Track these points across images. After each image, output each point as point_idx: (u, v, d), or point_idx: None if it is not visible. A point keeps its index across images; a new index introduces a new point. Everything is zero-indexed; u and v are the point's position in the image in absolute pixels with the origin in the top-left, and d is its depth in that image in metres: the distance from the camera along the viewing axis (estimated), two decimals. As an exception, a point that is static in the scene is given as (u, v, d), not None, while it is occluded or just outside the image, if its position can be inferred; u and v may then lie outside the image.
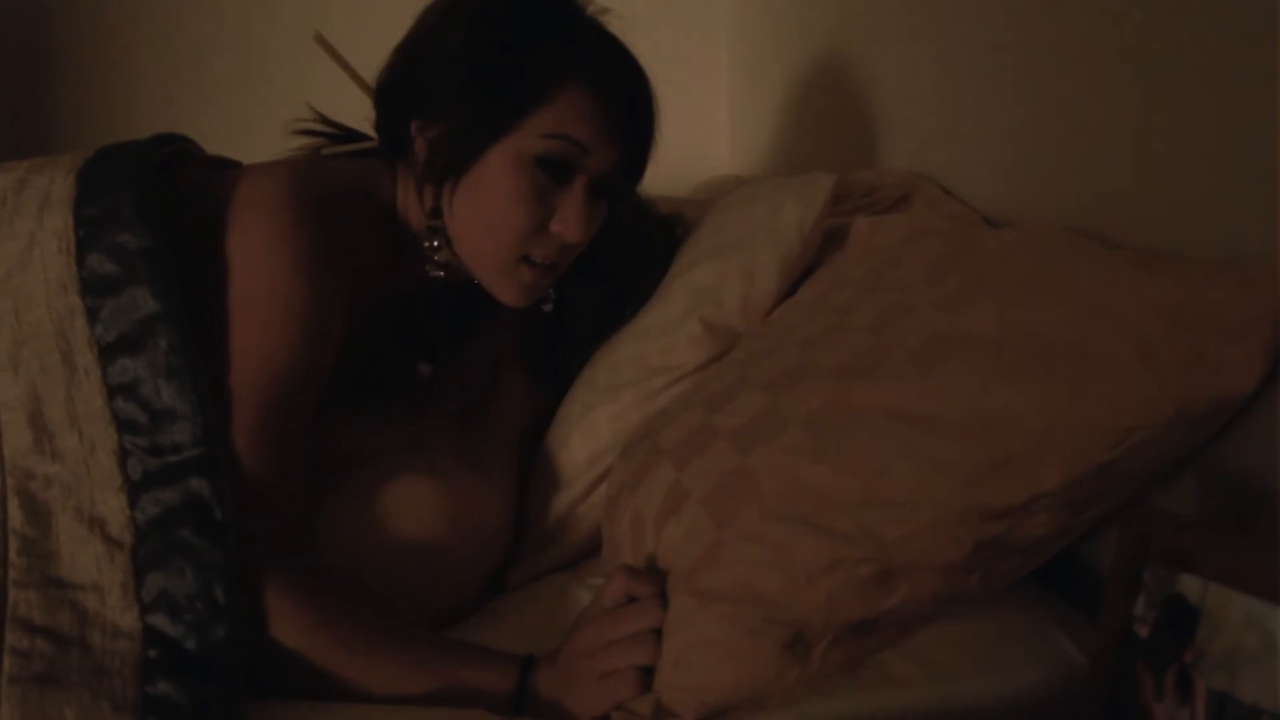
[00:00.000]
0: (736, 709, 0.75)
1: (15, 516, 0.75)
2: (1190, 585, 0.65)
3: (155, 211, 0.82)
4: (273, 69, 1.84)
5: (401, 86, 0.94)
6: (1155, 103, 0.83)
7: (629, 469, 0.91)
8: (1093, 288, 0.76)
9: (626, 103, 0.93)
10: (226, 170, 0.94)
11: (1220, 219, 0.77)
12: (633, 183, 1.00)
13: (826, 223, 1.04)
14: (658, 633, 0.76)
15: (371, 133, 0.99)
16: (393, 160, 0.97)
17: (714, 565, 0.77)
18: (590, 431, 0.99)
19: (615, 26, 0.96)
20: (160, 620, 0.74)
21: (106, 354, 0.79)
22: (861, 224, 1.03)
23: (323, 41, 1.02)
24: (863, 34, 1.41)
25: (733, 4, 1.99)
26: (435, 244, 0.95)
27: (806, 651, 0.74)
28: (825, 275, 0.98)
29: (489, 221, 0.91)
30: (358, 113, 1.00)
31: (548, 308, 1.03)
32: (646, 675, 0.76)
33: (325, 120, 1.04)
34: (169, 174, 0.90)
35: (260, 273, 0.83)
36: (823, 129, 1.57)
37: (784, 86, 1.70)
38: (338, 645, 0.77)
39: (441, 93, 0.91)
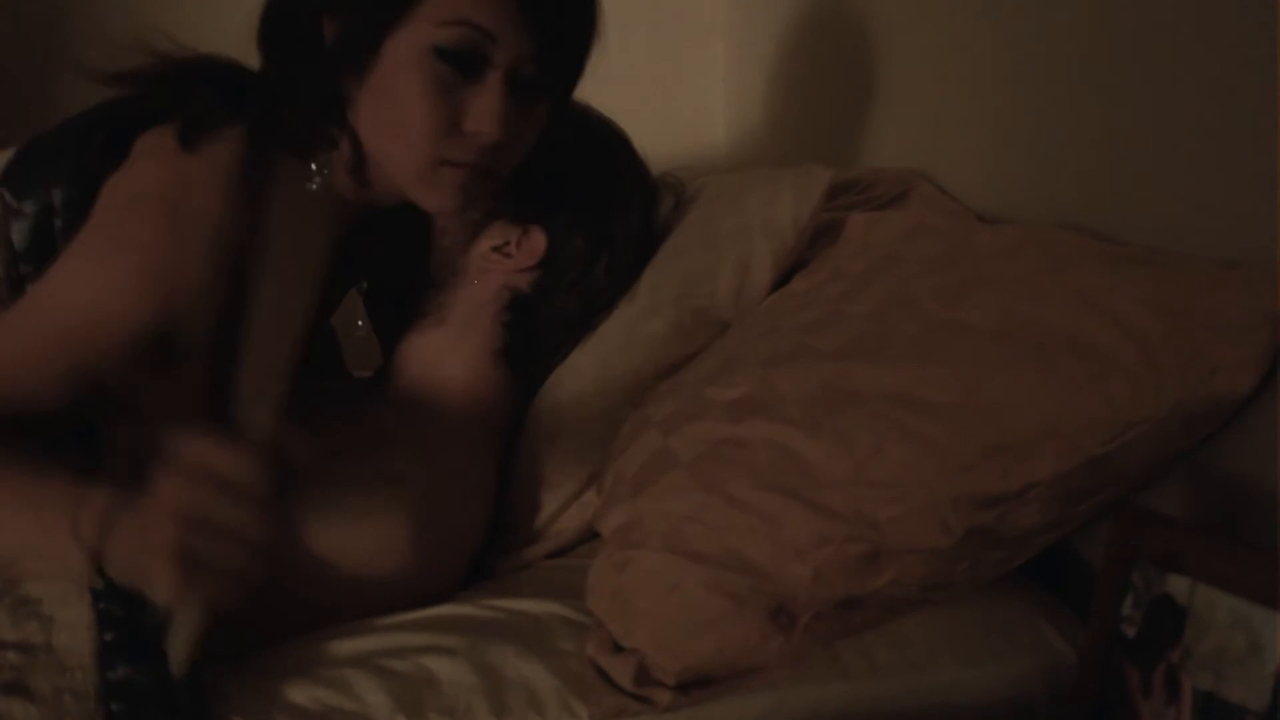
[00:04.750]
0: (719, 685, 0.75)
1: None
2: (1178, 586, 0.65)
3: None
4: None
5: None
6: (1154, 103, 0.83)
7: (616, 442, 0.91)
8: (1094, 284, 0.76)
9: None
10: None
11: (1220, 220, 0.77)
12: (565, 78, 0.88)
13: (821, 216, 1.04)
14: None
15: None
16: (280, 70, 0.86)
17: (699, 528, 0.77)
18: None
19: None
20: (112, 606, 0.74)
21: None
22: (857, 220, 1.03)
23: None
24: (864, 18, 1.40)
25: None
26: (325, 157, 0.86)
27: (790, 623, 0.74)
28: (821, 268, 0.98)
29: (393, 123, 0.83)
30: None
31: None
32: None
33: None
34: (110, 163, 0.84)
35: (121, 203, 0.79)
36: (819, 114, 1.57)
37: (781, 68, 1.70)
38: None
39: None
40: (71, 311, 0.76)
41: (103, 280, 0.77)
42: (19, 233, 0.84)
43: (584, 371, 1.01)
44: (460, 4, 0.79)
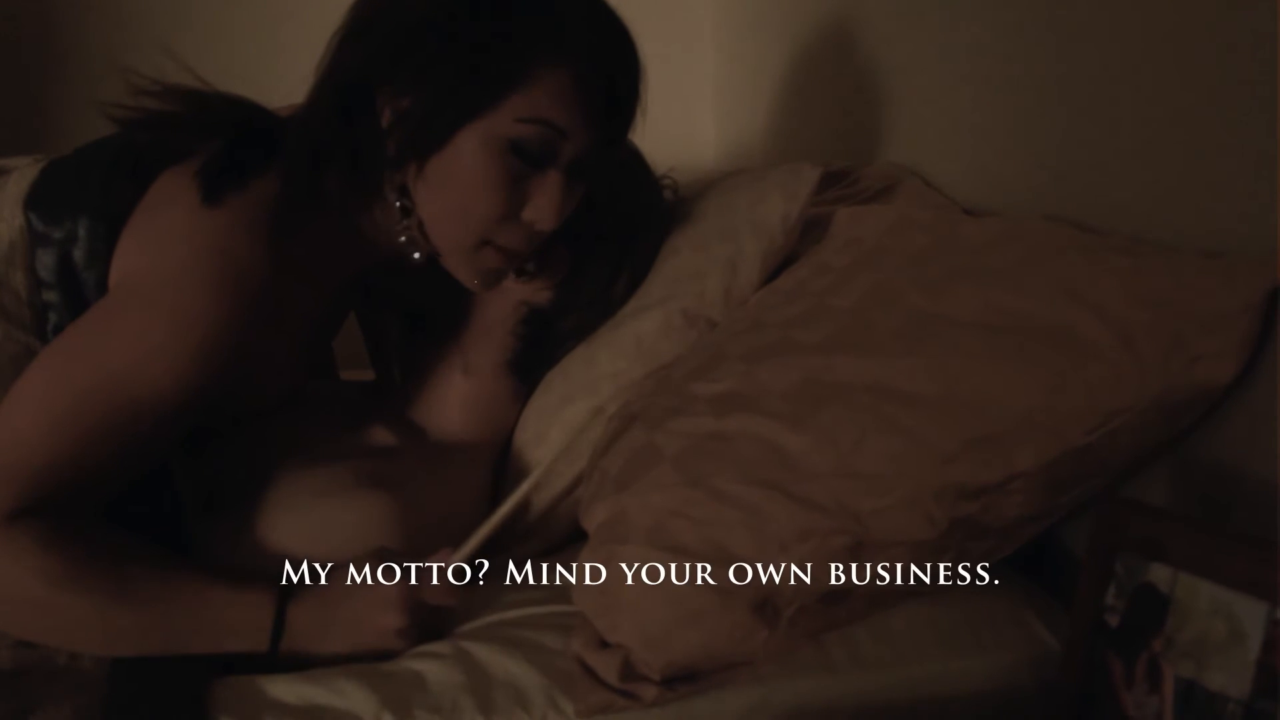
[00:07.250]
0: (704, 680, 0.75)
1: None
2: (1160, 574, 0.65)
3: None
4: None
5: (360, 53, 0.84)
6: (1136, 94, 0.83)
7: (602, 438, 0.91)
8: (1077, 274, 0.76)
9: (611, 84, 0.85)
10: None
11: (1201, 210, 0.77)
12: (614, 153, 0.91)
13: (808, 212, 1.04)
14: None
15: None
16: (331, 137, 0.85)
17: (683, 522, 0.77)
18: (570, 426, 0.98)
19: None
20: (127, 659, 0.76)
21: None
22: (843, 214, 1.03)
23: None
24: (849, 25, 1.40)
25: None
26: (408, 224, 0.87)
27: (775, 617, 0.74)
28: (806, 264, 0.98)
29: (457, 207, 0.84)
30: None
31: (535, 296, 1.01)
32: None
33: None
34: (134, 194, 0.84)
35: (159, 272, 0.79)
36: (808, 120, 1.57)
37: (770, 76, 1.70)
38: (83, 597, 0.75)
39: (407, 64, 0.81)
40: (118, 386, 0.77)
41: (152, 358, 0.77)
42: (45, 259, 0.84)
43: (572, 372, 1.01)
44: (540, 103, 0.81)
